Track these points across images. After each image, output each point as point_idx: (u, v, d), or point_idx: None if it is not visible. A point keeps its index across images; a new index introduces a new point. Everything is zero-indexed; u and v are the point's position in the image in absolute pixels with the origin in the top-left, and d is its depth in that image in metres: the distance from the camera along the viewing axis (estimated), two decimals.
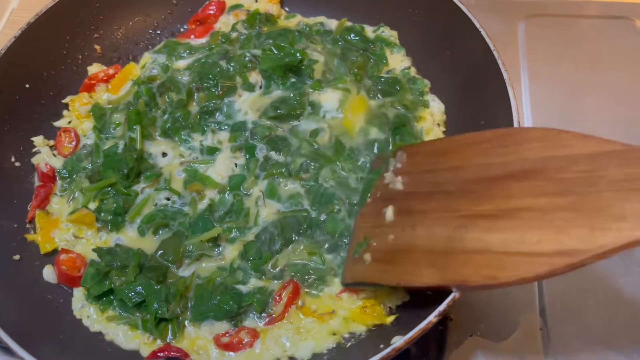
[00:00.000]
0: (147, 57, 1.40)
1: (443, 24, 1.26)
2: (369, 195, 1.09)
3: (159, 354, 1.02)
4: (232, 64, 1.31)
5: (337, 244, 1.10)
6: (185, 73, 1.33)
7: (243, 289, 1.07)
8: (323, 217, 1.13)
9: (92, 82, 1.35)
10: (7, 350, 1.12)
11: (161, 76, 1.33)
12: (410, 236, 0.90)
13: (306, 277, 1.08)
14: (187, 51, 1.38)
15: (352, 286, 1.03)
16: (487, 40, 1.12)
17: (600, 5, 1.63)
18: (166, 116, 1.27)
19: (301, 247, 1.11)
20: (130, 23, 1.42)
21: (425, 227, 0.88)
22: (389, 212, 0.97)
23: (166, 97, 1.29)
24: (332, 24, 1.40)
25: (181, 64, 1.36)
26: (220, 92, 1.28)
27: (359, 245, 1.02)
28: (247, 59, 1.30)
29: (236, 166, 1.21)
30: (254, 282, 1.07)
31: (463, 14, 1.19)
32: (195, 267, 1.10)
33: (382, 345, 0.90)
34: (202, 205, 1.17)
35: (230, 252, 1.11)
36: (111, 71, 1.36)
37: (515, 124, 1.03)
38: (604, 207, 0.69)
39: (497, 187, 0.81)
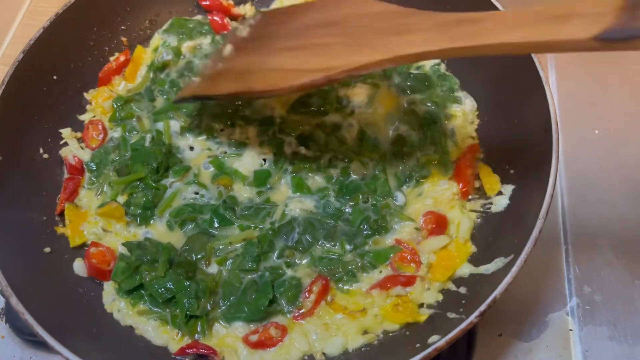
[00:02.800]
0: (157, 39, 1.39)
1: None
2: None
3: (187, 351, 1.01)
4: None
5: (356, 233, 1.10)
6: (199, 53, 1.35)
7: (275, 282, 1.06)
8: (347, 209, 1.13)
9: (106, 75, 1.33)
10: (38, 344, 1.14)
11: (174, 60, 1.33)
12: (232, 63, 1.15)
13: (335, 272, 1.07)
14: (198, 29, 1.38)
15: (180, 102, 1.24)
16: None
17: None
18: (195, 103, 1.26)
19: (323, 244, 1.11)
20: (157, 16, 1.40)
21: (245, 56, 1.13)
22: (227, 48, 1.18)
23: (187, 79, 1.31)
24: None
25: (191, 43, 1.36)
26: None
27: (196, 74, 1.27)
28: None
29: (265, 162, 1.20)
30: (289, 273, 1.07)
31: (496, 9, 1.17)
32: (223, 266, 1.09)
33: (418, 345, 0.89)
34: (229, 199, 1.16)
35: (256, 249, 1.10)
36: (122, 58, 1.35)
37: (553, 124, 1.02)
38: (366, 43, 0.94)
39: (307, 31, 1.05)
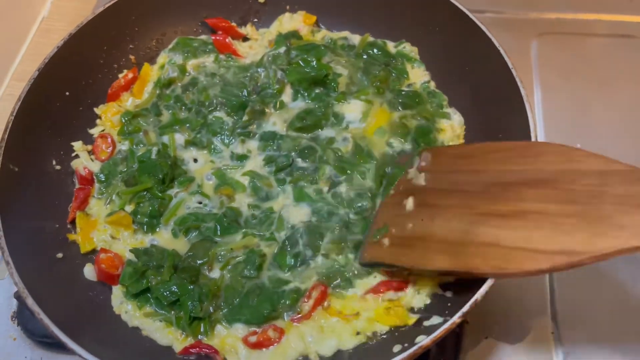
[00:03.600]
0: (164, 57, 1.47)
1: (462, 42, 1.32)
2: (392, 187, 1.19)
3: (190, 350, 1.07)
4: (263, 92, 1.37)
5: (361, 241, 1.15)
6: (203, 70, 1.41)
7: (278, 289, 1.12)
8: (352, 217, 1.18)
9: (115, 91, 1.41)
10: (48, 345, 1.20)
11: (179, 77, 1.41)
12: (428, 226, 1.01)
13: (333, 280, 1.13)
14: (202, 48, 1.46)
15: (368, 266, 1.12)
16: (506, 58, 1.18)
17: (609, 24, 1.69)
18: (199, 117, 1.34)
19: (327, 250, 1.16)
20: (163, 35, 1.49)
21: (443, 219, 0.99)
22: (410, 203, 1.07)
23: (191, 94, 1.37)
24: (356, 39, 1.46)
25: (195, 61, 1.44)
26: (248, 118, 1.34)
27: (379, 230, 1.11)
28: (279, 75, 1.36)
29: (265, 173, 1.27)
30: (290, 284, 1.13)
31: (482, 32, 1.25)
32: (225, 271, 1.15)
33: (406, 344, 0.96)
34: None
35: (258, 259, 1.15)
36: (130, 75, 1.42)
37: (532, 138, 1.09)
38: (605, 217, 0.79)
39: (512, 191, 0.92)
